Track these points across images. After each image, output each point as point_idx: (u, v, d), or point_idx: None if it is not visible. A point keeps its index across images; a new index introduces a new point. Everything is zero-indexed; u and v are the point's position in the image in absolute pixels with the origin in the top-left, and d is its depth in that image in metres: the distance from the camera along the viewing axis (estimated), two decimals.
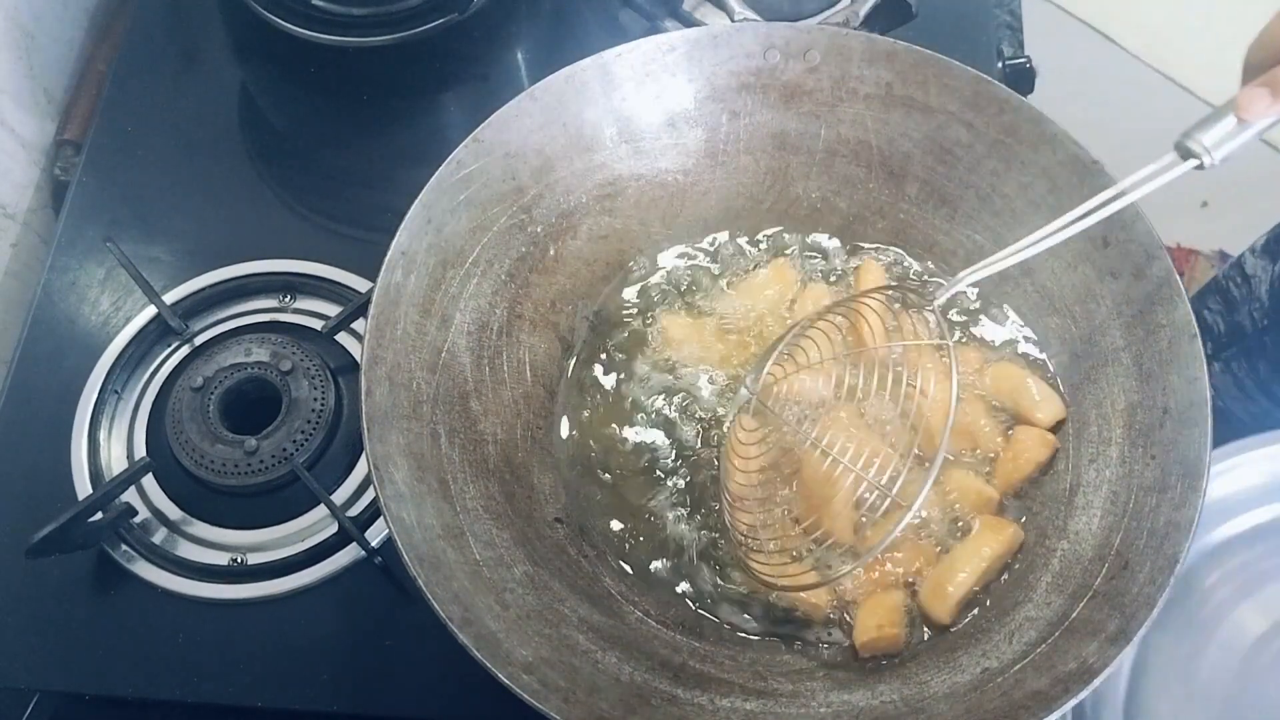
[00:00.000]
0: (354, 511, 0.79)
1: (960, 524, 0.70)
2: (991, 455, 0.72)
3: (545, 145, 0.77)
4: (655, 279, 0.81)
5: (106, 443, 0.82)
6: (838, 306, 0.73)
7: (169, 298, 0.86)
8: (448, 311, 0.73)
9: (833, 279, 0.80)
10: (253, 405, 0.80)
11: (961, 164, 0.77)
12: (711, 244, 0.82)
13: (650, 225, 0.82)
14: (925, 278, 0.80)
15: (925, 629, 0.68)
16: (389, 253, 0.69)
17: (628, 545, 0.72)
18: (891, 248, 0.81)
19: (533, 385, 0.77)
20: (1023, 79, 0.97)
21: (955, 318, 0.78)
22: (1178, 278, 0.68)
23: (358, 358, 0.82)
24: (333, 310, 0.86)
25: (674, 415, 0.76)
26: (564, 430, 0.76)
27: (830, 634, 0.69)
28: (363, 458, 0.78)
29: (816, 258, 0.81)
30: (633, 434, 0.76)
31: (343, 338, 0.85)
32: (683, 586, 0.71)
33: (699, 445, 0.75)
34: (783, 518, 0.70)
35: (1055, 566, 0.67)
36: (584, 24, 1.01)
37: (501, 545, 0.67)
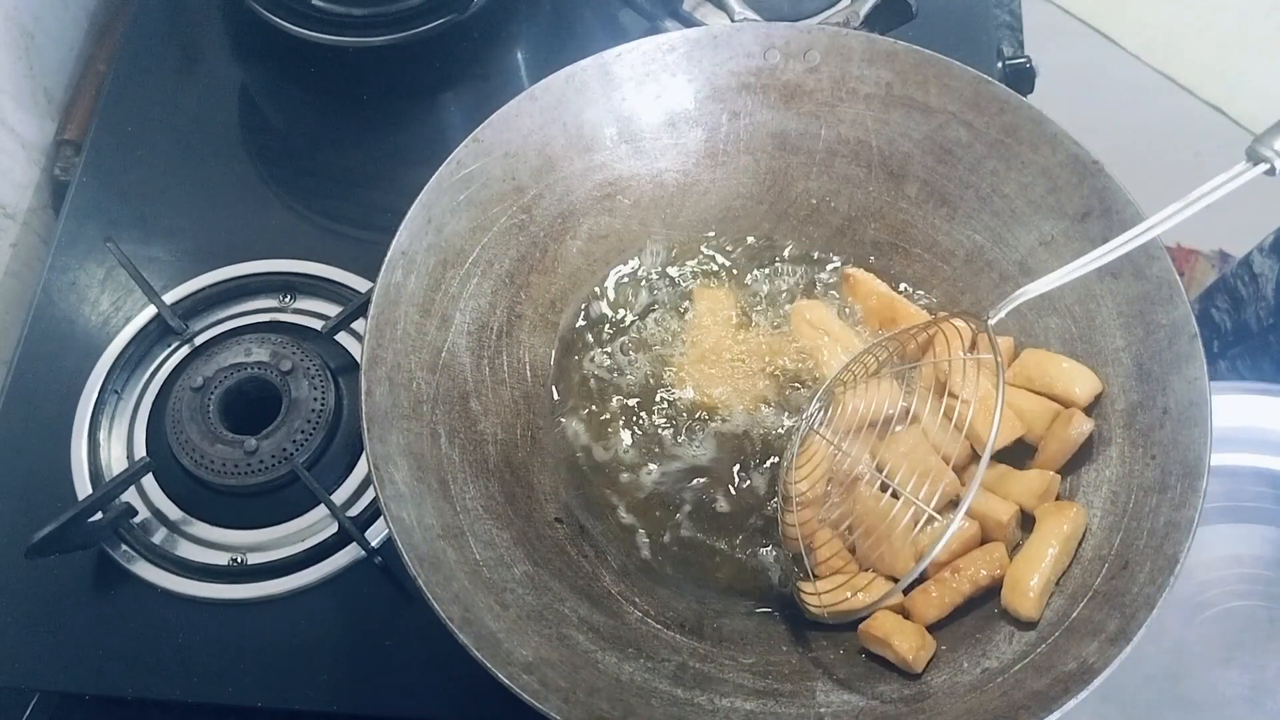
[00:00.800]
0: (354, 511, 0.79)
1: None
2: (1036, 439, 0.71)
3: (545, 145, 0.77)
4: (655, 279, 0.81)
5: (106, 443, 0.82)
6: (900, 336, 0.73)
7: (169, 298, 0.86)
8: (448, 311, 0.73)
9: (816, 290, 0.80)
10: (253, 405, 0.80)
11: (961, 164, 0.77)
12: (711, 246, 0.82)
13: (650, 225, 0.82)
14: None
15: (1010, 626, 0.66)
16: (389, 253, 0.69)
17: (628, 545, 0.72)
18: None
19: (533, 385, 0.77)
20: (1023, 79, 0.97)
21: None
22: (1178, 278, 0.68)
23: (358, 358, 0.82)
24: (333, 310, 0.86)
25: (674, 415, 0.76)
26: (564, 430, 0.76)
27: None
28: (363, 458, 0.78)
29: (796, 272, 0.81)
30: (633, 434, 0.76)
31: (343, 338, 0.85)
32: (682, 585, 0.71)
33: (699, 445, 0.75)
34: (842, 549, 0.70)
35: None
36: (584, 24, 1.01)
37: (501, 545, 0.67)
